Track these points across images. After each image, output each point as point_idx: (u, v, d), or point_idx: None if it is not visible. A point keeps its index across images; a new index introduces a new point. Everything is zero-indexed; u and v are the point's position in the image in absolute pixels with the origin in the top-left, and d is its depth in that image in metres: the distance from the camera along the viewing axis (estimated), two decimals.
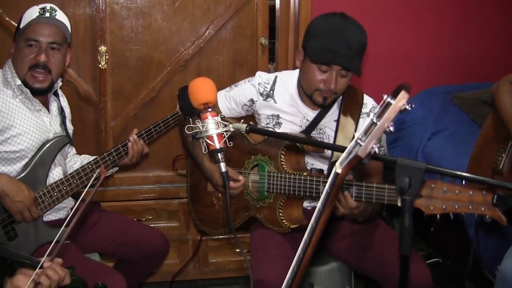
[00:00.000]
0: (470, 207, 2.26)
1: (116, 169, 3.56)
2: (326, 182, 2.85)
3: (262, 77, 3.36)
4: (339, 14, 3.03)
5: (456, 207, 2.28)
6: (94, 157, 3.35)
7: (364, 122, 3.18)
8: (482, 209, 2.23)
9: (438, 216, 2.32)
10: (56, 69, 3.12)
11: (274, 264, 2.96)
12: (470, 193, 2.25)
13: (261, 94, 3.33)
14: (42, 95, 3.19)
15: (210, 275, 4.54)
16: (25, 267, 2.38)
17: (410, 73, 5.01)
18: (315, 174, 3.08)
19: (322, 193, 2.81)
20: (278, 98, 3.30)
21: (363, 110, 3.22)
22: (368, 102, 3.26)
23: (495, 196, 2.16)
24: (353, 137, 1.65)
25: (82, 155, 3.55)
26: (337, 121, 3.21)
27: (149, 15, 4.12)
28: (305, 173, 3.04)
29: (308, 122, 3.25)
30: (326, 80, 3.02)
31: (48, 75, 3.08)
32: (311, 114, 3.25)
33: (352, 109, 3.21)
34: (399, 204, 2.59)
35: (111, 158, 3.35)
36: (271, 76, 3.37)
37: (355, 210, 2.83)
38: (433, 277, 2.95)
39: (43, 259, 2.36)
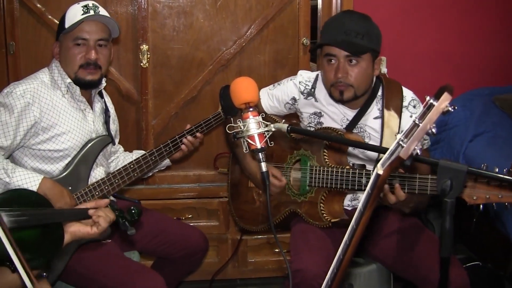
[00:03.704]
0: None
1: (168, 163, 3.66)
2: (369, 174, 2.89)
3: (304, 76, 3.40)
4: (344, 11, 3.07)
5: (500, 196, 2.27)
6: (137, 156, 3.41)
7: (404, 116, 3.21)
8: None
9: (481, 206, 2.29)
10: (105, 65, 3.20)
11: (313, 255, 2.97)
12: None
13: (302, 93, 3.35)
14: (91, 89, 3.24)
15: (249, 275, 4.55)
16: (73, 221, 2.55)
17: (451, 75, 4.96)
18: (357, 168, 3.09)
19: (364, 185, 2.84)
20: (319, 96, 3.32)
21: (403, 104, 3.23)
22: (407, 95, 3.26)
23: None
24: (396, 136, 1.64)
25: (137, 151, 3.61)
26: (382, 116, 3.21)
27: (191, 14, 4.15)
28: (347, 167, 3.06)
29: (348, 121, 3.26)
30: (334, 70, 3.08)
31: (98, 70, 3.15)
32: (350, 113, 3.26)
33: (394, 102, 3.21)
34: None
35: (153, 158, 3.39)
36: (313, 74, 3.40)
37: (403, 202, 2.83)
38: (473, 280, 2.92)
39: (89, 205, 2.64)
